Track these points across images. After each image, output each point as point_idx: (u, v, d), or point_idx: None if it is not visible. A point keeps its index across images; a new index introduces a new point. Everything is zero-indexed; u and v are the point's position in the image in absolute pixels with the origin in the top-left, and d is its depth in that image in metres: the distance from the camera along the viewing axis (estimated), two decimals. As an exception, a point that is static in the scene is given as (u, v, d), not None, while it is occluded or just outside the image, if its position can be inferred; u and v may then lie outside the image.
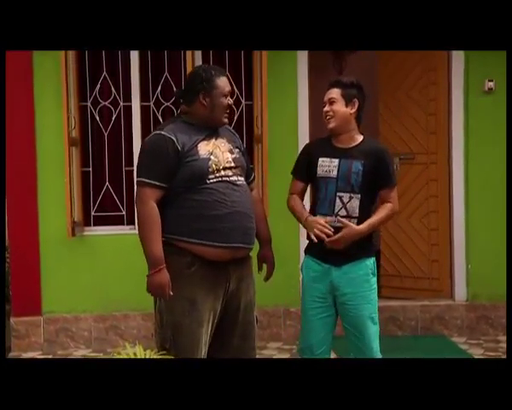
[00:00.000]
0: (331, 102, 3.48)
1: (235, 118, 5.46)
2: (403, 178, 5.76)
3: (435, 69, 5.76)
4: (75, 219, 5.34)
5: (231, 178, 3.19)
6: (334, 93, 3.48)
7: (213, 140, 3.22)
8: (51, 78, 5.29)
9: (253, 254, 3.39)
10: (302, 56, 5.55)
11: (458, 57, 5.62)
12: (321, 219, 3.41)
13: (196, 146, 3.16)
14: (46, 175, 5.41)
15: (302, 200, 3.65)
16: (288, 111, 5.56)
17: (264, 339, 5.42)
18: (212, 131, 3.24)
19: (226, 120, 3.30)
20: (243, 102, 5.55)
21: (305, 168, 3.59)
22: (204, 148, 3.17)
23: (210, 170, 3.14)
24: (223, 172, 3.17)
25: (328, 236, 3.37)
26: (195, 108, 3.23)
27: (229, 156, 3.23)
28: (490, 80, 5.58)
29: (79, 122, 5.45)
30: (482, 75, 5.60)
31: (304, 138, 5.42)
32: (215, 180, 3.14)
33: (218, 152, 3.20)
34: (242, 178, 3.27)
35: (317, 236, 3.37)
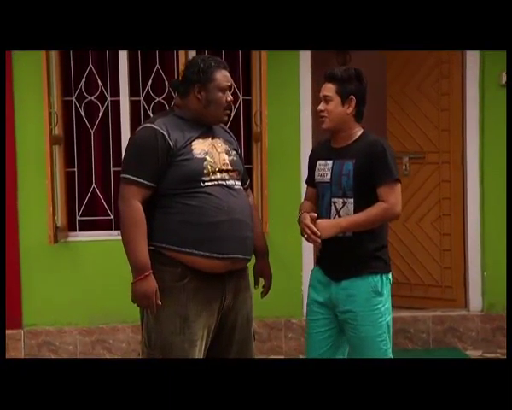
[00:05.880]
0: (326, 99, 3.20)
1: (232, 114, 5.29)
2: (413, 178, 5.76)
3: (448, 61, 5.63)
4: (58, 224, 5.19)
5: (228, 182, 3.04)
6: (329, 90, 3.19)
7: (209, 139, 3.07)
8: (32, 70, 5.11)
9: (249, 266, 3.25)
10: (304, 48, 5.46)
11: (473, 49, 5.54)
12: (307, 218, 3.10)
13: (190, 144, 3.00)
14: (26, 176, 5.26)
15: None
16: (289, 107, 5.41)
17: (264, 353, 5.32)
18: (207, 129, 3.09)
19: (225, 118, 3.15)
20: (241, 96, 5.42)
21: (310, 172, 3.40)
22: (199, 147, 3.01)
23: (205, 172, 2.97)
24: (219, 175, 3.01)
25: (314, 240, 3.11)
26: (189, 101, 3.07)
27: (226, 158, 3.08)
28: (507, 73, 5.36)
29: (63, 118, 5.30)
30: (499, 68, 5.41)
31: (306, 136, 5.40)
32: (210, 184, 2.98)
33: (214, 152, 3.04)
34: (239, 183, 3.13)
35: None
